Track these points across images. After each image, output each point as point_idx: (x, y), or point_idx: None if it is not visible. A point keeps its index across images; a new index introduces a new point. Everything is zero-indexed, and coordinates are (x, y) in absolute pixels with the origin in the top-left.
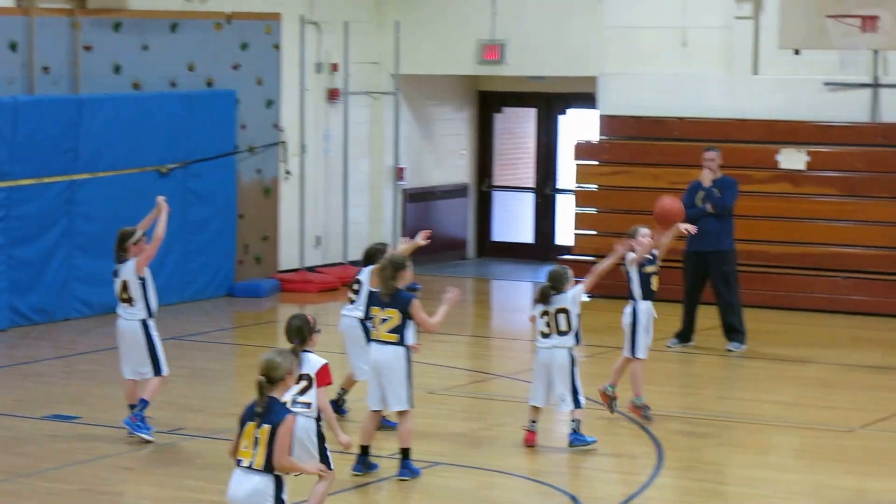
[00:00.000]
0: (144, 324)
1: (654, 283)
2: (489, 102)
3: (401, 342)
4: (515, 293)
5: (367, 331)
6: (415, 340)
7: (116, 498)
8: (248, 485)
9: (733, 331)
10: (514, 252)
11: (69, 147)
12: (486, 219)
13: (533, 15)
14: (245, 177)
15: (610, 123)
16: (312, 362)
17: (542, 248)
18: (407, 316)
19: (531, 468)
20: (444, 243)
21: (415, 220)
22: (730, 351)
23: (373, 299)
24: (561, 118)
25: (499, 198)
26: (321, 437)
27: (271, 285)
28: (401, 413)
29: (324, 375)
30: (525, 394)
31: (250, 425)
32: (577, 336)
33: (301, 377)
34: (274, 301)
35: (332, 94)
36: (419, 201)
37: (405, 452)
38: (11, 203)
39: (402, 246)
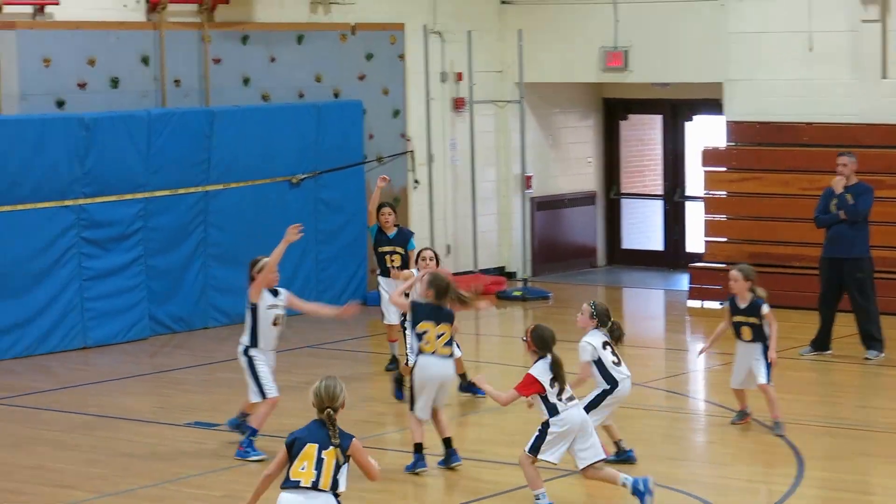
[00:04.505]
0: (245, 351)
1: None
2: (614, 109)
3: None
4: (647, 301)
5: None
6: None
7: None
8: None
9: (871, 338)
10: (644, 259)
11: (202, 158)
12: (615, 226)
13: (655, 21)
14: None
15: (737, 129)
16: None
17: (673, 255)
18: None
19: (669, 477)
20: (574, 251)
21: (543, 229)
22: (868, 359)
23: (423, 313)
24: (687, 125)
25: (627, 205)
26: None
27: None
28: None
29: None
30: (661, 402)
31: (311, 446)
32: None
33: None
34: None
35: (458, 104)
36: (547, 209)
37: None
38: (148, 214)
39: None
